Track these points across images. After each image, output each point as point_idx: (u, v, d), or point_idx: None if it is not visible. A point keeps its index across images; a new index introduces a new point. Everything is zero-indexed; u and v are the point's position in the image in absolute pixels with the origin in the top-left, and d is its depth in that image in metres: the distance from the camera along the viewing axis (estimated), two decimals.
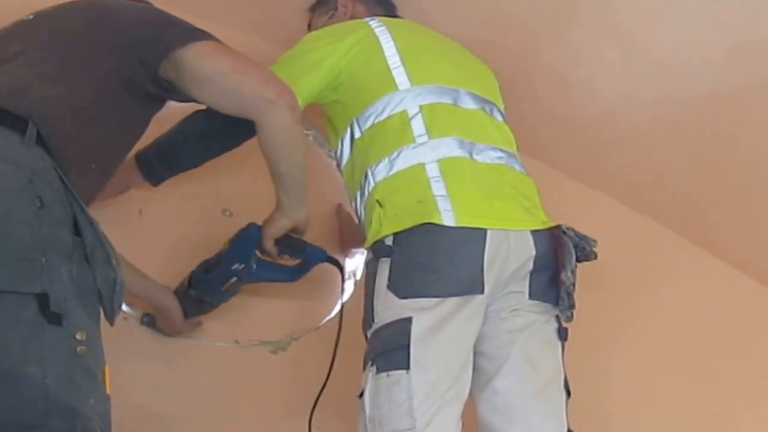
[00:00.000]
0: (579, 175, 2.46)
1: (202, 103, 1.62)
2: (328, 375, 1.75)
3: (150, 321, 1.85)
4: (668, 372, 2.30)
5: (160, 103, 1.59)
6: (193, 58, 1.51)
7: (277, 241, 1.72)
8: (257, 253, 1.75)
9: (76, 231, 1.23)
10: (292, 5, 2.07)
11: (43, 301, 1.14)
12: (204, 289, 1.79)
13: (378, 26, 1.77)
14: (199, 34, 1.54)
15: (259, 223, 1.73)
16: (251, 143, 1.83)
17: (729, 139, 2.15)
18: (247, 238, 1.74)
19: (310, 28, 2.05)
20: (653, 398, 2.27)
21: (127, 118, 1.52)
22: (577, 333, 2.07)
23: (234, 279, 1.76)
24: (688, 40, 1.93)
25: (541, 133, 2.31)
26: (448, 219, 1.51)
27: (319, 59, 1.73)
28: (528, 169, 1.75)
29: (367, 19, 1.82)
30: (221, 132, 1.74)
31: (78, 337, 1.16)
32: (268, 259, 1.77)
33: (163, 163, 1.76)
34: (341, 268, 1.86)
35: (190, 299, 1.80)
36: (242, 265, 1.74)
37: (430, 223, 1.51)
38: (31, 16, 1.52)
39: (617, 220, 2.46)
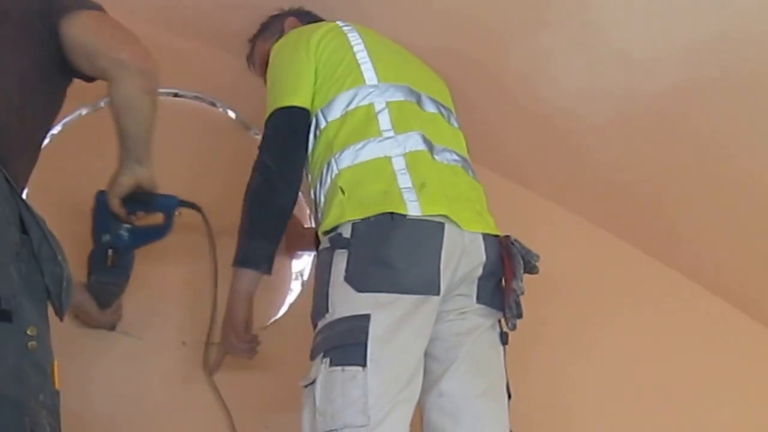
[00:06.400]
0: (538, 188, 2.50)
1: (81, 70, 1.59)
2: None
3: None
4: (625, 384, 2.35)
5: (69, 75, 1.58)
6: (71, 25, 1.52)
7: (125, 201, 1.70)
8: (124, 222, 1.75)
9: (23, 229, 1.24)
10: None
11: None
12: (97, 272, 1.78)
13: (344, 25, 1.82)
14: (89, 3, 1.56)
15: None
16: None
17: (688, 139, 2.16)
18: (99, 207, 1.73)
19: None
20: (612, 412, 2.31)
21: (51, 96, 1.53)
22: (535, 346, 2.10)
23: (110, 252, 1.76)
24: (651, 35, 1.95)
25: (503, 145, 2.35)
26: (413, 209, 1.53)
27: (302, 65, 1.74)
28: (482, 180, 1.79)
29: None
30: None
31: (29, 332, 1.19)
32: (136, 222, 1.76)
33: None
34: (199, 209, 1.87)
35: (94, 287, 1.79)
36: (108, 235, 1.74)
37: (391, 214, 1.52)
38: None
39: (578, 235, 2.51)
